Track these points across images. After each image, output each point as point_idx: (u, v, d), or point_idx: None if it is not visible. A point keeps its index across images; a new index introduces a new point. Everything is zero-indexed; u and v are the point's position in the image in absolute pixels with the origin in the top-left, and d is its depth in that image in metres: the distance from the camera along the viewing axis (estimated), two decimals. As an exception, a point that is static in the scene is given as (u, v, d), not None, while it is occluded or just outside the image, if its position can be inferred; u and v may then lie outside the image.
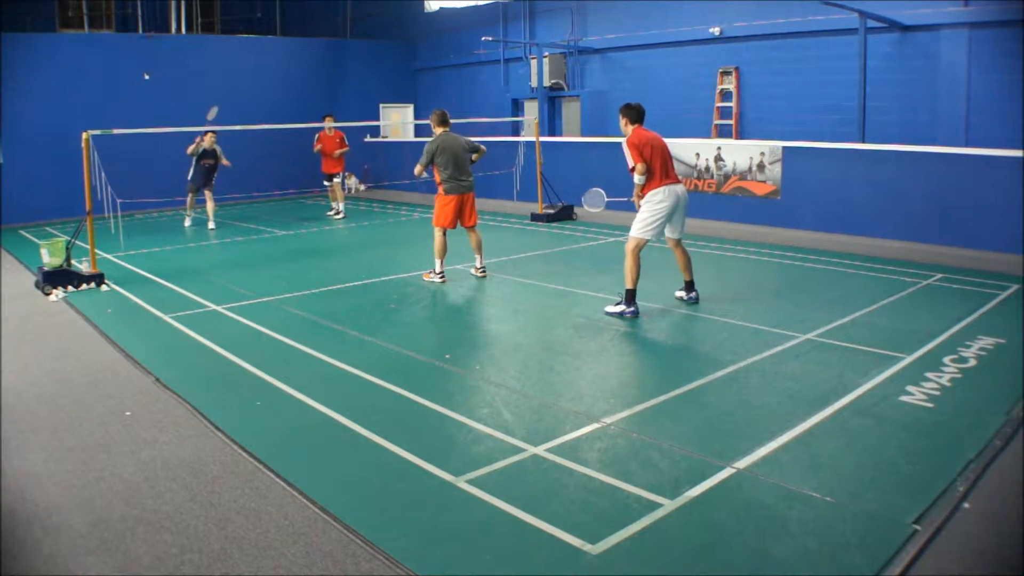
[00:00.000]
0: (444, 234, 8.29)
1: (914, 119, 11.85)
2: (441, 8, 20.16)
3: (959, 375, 5.08)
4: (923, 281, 7.90)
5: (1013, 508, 3.49)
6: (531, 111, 17.44)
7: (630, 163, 6.64)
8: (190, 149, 12.66)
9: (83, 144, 8.46)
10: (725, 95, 14.29)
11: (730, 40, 14.16)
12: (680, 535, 3.25)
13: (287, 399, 4.93)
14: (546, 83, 16.88)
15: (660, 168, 6.64)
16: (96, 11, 19.69)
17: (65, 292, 8.14)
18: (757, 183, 11.78)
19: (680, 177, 6.95)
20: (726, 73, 14.24)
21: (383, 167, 19.12)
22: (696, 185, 12.42)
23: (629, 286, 6.67)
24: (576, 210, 13.02)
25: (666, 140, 6.87)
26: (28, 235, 12.82)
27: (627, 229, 6.98)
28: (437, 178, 8.24)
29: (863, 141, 11.36)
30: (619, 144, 11.98)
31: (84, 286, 8.31)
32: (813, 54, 13.03)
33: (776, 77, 13.56)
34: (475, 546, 3.20)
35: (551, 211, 12.82)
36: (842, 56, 12.34)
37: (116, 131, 9.21)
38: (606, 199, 7.51)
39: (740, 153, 12.01)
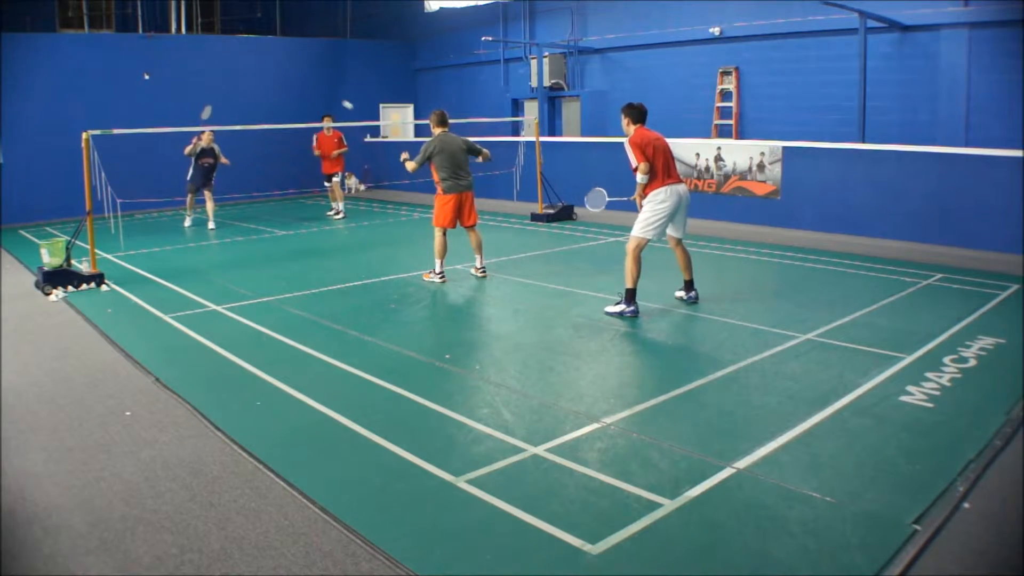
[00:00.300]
0: (444, 234, 8.30)
1: (914, 119, 11.85)
2: (441, 8, 20.16)
3: (959, 375, 5.08)
4: (923, 281, 7.90)
5: (1013, 508, 3.49)
6: (531, 111, 17.44)
7: (633, 163, 6.63)
8: (187, 149, 12.65)
9: (83, 144, 8.46)
10: (725, 95, 14.29)
11: (730, 40, 14.16)
12: (680, 535, 3.25)
13: (287, 399, 4.93)
14: (546, 83, 16.88)
15: (662, 168, 6.64)
16: (96, 11, 19.69)
17: (65, 292, 8.14)
18: (757, 183, 11.78)
19: (681, 177, 6.94)
20: (726, 73, 14.24)
21: (383, 167, 19.12)
22: (696, 185, 12.42)
23: (629, 285, 6.66)
24: (576, 210, 13.02)
25: (666, 140, 6.87)
26: (28, 235, 12.82)
27: (627, 229, 6.99)
28: (435, 177, 8.26)
29: (863, 141, 11.36)
30: (620, 144, 11.97)
31: (84, 286, 8.31)
32: (813, 54, 13.03)
33: (776, 77, 13.56)
34: (475, 546, 3.20)
35: (551, 211, 12.82)
36: (842, 56, 12.33)
37: (116, 131, 9.21)
38: (608, 199, 7.50)
39: (740, 153, 12.02)
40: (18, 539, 3.32)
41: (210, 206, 13.08)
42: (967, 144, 10.88)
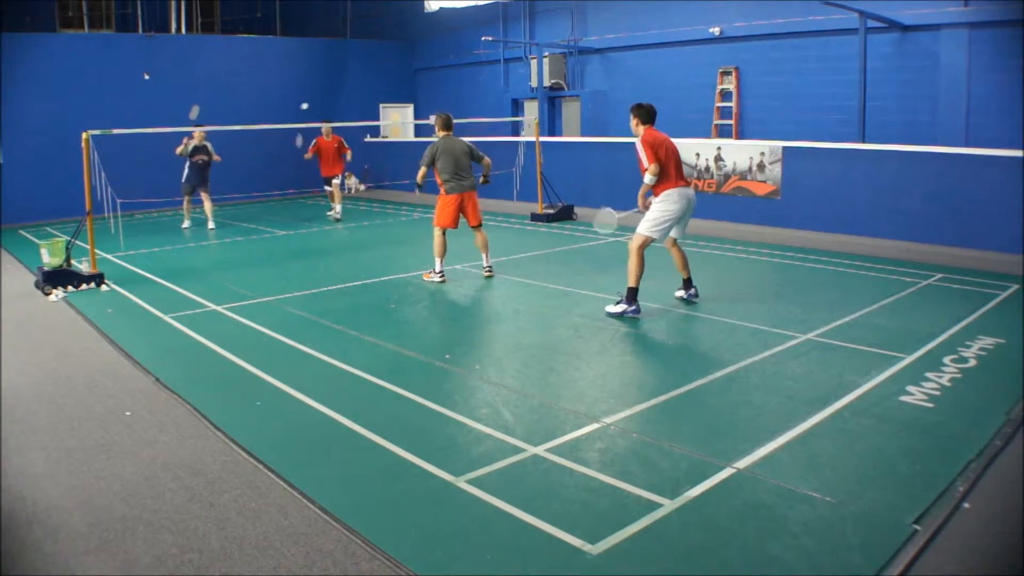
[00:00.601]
0: (444, 234, 8.34)
1: (914, 119, 11.85)
2: (441, 8, 20.16)
3: (959, 375, 5.08)
4: (923, 281, 7.90)
5: (1013, 508, 3.49)
6: (531, 111, 17.44)
7: (644, 162, 6.57)
8: (179, 149, 12.63)
9: (83, 144, 8.46)
10: (725, 95, 14.30)
11: (730, 40, 14.16)
12: (680, 535, 3.25)
13: (287, 399, 4.93)
14: (546, 83, 16.88)
15: (674, 170, 6.63)
16: (96, 11, 19.68)
17: (65, 292, 8.14)
18: (757, 183, 11.78)
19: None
20: (726, 73, 14.24)
21: (383, 167, 19.12)
22: (696, 185, 12.41)
23: (632, 284, 6.63)
24: (576, 210, 13.03)
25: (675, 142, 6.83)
26: (28, 235, 12.83)
27: (627, 229, 6.99)
28: (439, 179, 8.31)
29: (863, 141, 11.36)
30: (620, 144, 11.94)
31: (84, 286, 8.31)
32: (813, 54, 13.03)
33: (776, 77, 13.56)
34: (475, 546, 3.20)
35: (551, 211, 12.82)
36: (842, 56, 12.34)
37: (116, 131, 9.21)
38: (617, 216, 7.45)
39: (740, 153, 12.02)
40: (18, 539, 3.32)
41: (208, 206, 13.07)
42: (967, 144, 10.88)
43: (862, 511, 3.38)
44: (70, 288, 8.22)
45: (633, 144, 6.86)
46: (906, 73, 11.91)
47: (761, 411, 4.58)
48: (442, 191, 8.32)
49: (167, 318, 7.04)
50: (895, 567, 2.97)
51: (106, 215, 9.71)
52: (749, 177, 11.85)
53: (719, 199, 12.19)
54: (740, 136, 13.97)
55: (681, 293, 7.18)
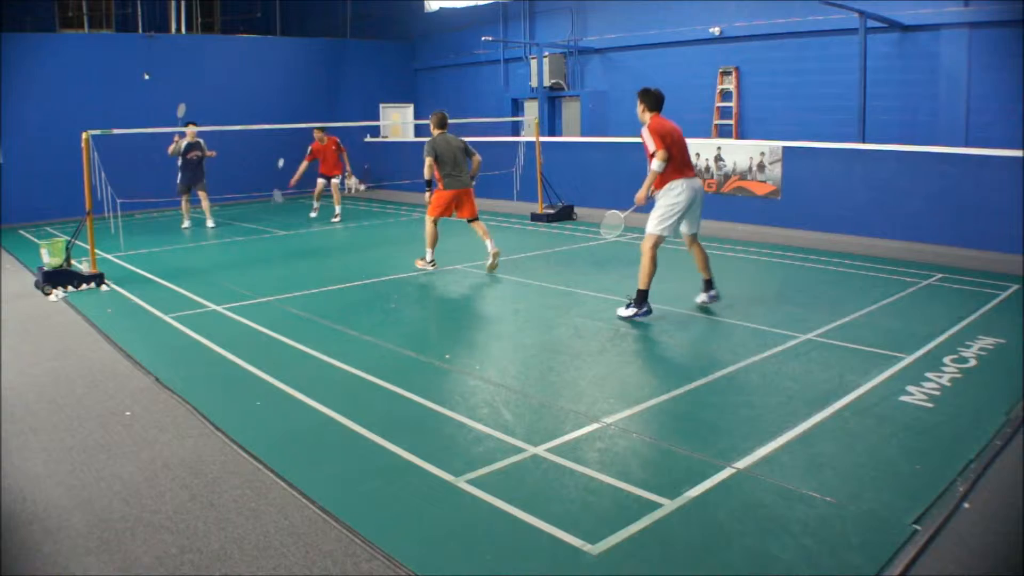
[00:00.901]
0: (435, 224, 8.77)
1: (914, 119, 11.85)
2: (441, 8, 20.16)
3: (959, 375, 5.08)
4: (923, 281, 7.90)
5: (1013, 508, 3.49)
6: (531, 111, 17.43)
7: (651, 148, 6.32)
8: (171, 149, 12.58)
9: (83, 144, 8.46)
10: (725, 95, 14.30)
11: (730, 40, 14.16)
12: (680, 535, 3.25)
13: (287, 399, 4.93)
14: (546, 83, 16.88)
15: (679, 159, 6.39)
16: (96, 11, 19.69)
17: (65, 292, 8.14)
18: (757, 183, 11.78)
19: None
20: (726, 73, 14.24)
21: (383, 167, 19.12)
22: (696, 185, 12.41)
23: (643, 286, 6.41)
24: (576, 210, 13.03)
25: (681, 132, 6.62)
26: (28, 235, 12.83)
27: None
28: (436, 175, 8.64)
29: (863, 141, 11.36)
30: (620, 144, 11.91)
31: (84, 286, 8.31)
32: (813, 54, 13.02)
33: (776, 77, 13.56)
34: (475, 546, 3.20)
35: (551, 211, 12.82)
36: (842, 56, 12.34)
37: (116, 131, 9.21)
38: (622, 215, 7.19)
39: (740, 153, 12.02)
40: (18, 539, 3.32)
41: (205, 204, 13.05)
42: (967, 144, 10.88)
43: (862, 511, 3.38)
44: (70, 288, 8.22)
45: (637, 144, 6.73)
46: (906, 73, 11.91)
47: (761, 411, 4.58)
48: (440, 186, 8.66)
49: (167, 318, 7.04)
50: (895, 567, 2.97)
51: (106, 215, 9.71)
52: (749, 177, 11.85)
53: (719, 199, 12.18)
54: (740, 136, 13.97)
55: (703, 298, 6.89)
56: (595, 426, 4.38)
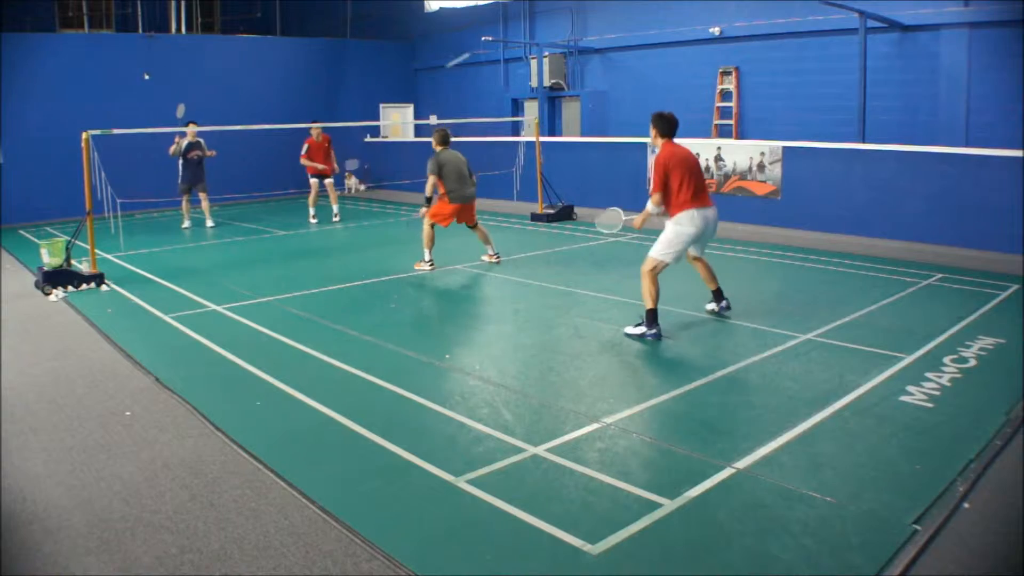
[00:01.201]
0: (432, 227, 8.89)
1: (914, 119, 11.85)
2: (441, 8, 20.16)
3: (959, 375, 5.08)
4: (923, 281, 7.90)
5: (1013, 508, 3.49)
6: (531, 111, 17.43)
7: (651, 186, 6.09)
8: (172, 149, 12.60)
9: (83, 144, 8.46)
10: (725, 95, 14.29)
11: (730, 40, 14.16)
12: (680, 535, 3.25)
13: (287, 399, 4.93)
14: (546, 83, 16.88)
15: (690, 188, 6.02)
16: (96, 11, 19.69)
17: (65, 292, 8.14)
18: (757, 183, 11.77)
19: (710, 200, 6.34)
20: (726, 73, 14.24)
21: (383, 167, 19.12)
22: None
23: (650, 306, 6.08)
24: (576, 210, 13.02)
25: (695, 157, 6.40)
26: (28, 235, 12.83)
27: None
28: (442, 189, 8.81)
29: (863, 141, 11.36)
30: (620, 144, 11.89)
31: (84, 286, 8.31)
32: (813, 54, 13.02)
33: (776, 77, 13.56)
34: (475, 546, 3.20)
35: (551, 211, 12.82)
36: (842, 56, 12.33)
37: (116, 131, 9.21)
38: (623, 217, 6.97)
39: (740, 153, 12.02)
40: (18, 539, 3.32)
41: (205, 205, 13.06)
42: (967, 144, 10.88)
43: (862, 511, 3.38)
44: (70, 288, 8.22)
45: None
46: (906, 73, 11.91)
47: (761, 411, 4.58)
48: (445, 199, 8.78)
49: (167, 318, 7.04)
50: (895, 567, 2.98)
51: (106, 215, 9.71)
52: (749, 177, 11.85)
53: (719, 199, 12.01)
54: (740, 136, 13.97)
55: (712, 306, 6.70)
56: (595, 426, 4.38)
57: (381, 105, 20.13)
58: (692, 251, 6.38)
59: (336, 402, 4.81)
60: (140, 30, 18.19)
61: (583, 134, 16.33)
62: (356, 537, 3.26)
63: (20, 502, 3.65)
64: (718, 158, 12.27)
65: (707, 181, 12.15)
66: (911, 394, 4.75)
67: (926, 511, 3.37)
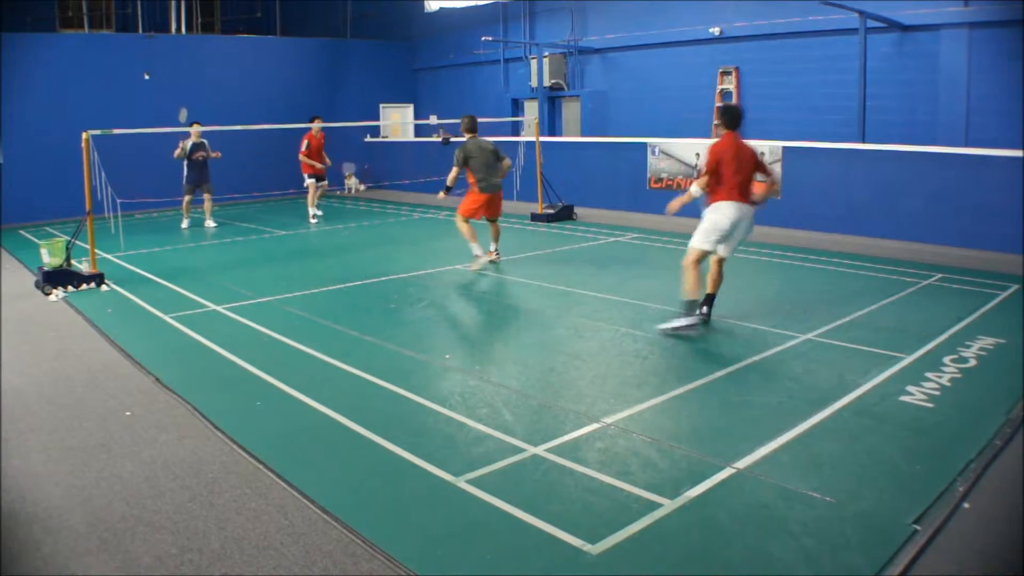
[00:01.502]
0: (467, 220, 8.87)
1: (914, 119, 11.86)
2: (441, 8, 20.15)
3: (959, 375, 5.08)
4: (923, 281, 7.90)
5: (1013, 508, 3.49)
6: (531, 111, 17.44)
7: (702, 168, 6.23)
8: (177, 152, 12.60)
9: (83, 144, 8.46)
10: (725, 95, 14.28)
11: (730, 40, 14.16)
12: (680, 535, 3.25)
13: (287, 399, 4.93)
14: (546, 83, 16.88)
15: (734, 183, 6.17)
16: (96, 11, 19.67)
17: (65, 292, 8.14)
18: (757, 183, 11.74)
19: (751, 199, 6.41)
20: (726, 73, 14.23)
21: (383, 167, 19.12)
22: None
23: (692, 297, 6.13)
24: (576, 210, 13.02)
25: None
26: (28, 235, 12.82)
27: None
28: (471, 179, 8.81)
29: (863, 141, 11.35)
30: (620, 144, 11.94)
31: (84, 286, 8.31)
32: (813, 54, 13.02)
33: (776, 77, 13.55)
34: (475, 546, 3.20)
35: (551, 211, 12.81)
36: (842, 56, 12.33)
37: (116, 131, 9.22)
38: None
39: (740, 153, 11.99)
40: (18, 539, 3.32)
41: (208, 205, 13.06)
42: (967, 144, 10.88)
43: (862, 511, 3.38)
44: (70, 288, 8.22)
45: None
46: (906, 73, 11.91)
47: (761, 411, 4.58)
48: (475, 189, 8.79)
49: (167, 318, 7.04)
50: (895, 567, 2.98)
51: (106, 215, 9.71)
52: (749, 177, 11.83)
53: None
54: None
55: (704, 309, 6.61)
56: (595, 426, 4.38)
57: (381, 105, 20.13)
58: (722, 250, 6.33)
59: (336, 402, 4.81)
60: (140, 30, 18.19)
61: (583, 134, 16.33)
62: (356, 537, 3.26)
63: (20, 502, 3.64)
64: (718, 158, 12.24)
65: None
66: (911, 394, 4.75)
67: (926, 511, 3.37)
